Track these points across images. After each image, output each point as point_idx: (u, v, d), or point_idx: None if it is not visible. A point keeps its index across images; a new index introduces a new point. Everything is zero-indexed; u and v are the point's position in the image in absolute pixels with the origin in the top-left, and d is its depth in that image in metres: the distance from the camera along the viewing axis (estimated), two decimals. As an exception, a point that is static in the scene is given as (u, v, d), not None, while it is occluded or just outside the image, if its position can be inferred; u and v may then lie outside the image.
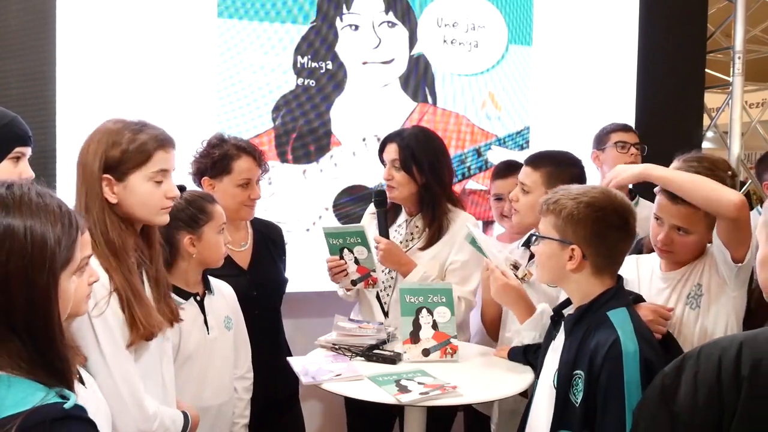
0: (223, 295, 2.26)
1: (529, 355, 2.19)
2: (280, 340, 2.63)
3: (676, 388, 1.32)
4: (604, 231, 1.78)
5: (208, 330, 2.15)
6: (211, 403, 2.13)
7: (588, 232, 1.78)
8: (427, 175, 2.57)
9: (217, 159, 2.44)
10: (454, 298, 2.37)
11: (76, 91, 2.84)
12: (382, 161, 2.66)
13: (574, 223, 1.78)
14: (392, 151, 2.60)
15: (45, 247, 1.07)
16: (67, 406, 1.02)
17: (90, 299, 1.42)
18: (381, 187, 2.74)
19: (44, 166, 2.71)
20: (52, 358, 1.08)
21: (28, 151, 1.93)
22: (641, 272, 2.18)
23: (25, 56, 2.79)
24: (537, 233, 1.93)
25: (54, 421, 1.00)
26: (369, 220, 2.72)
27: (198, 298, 2.16)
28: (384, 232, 2.59)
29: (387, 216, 2.63)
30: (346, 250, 2.54)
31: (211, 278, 2.24)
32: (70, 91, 2.84)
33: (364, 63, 3.21)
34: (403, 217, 2.69)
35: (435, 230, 2.58)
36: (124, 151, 1.67)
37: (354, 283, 2.58)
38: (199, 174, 2.48)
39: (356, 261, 2.55)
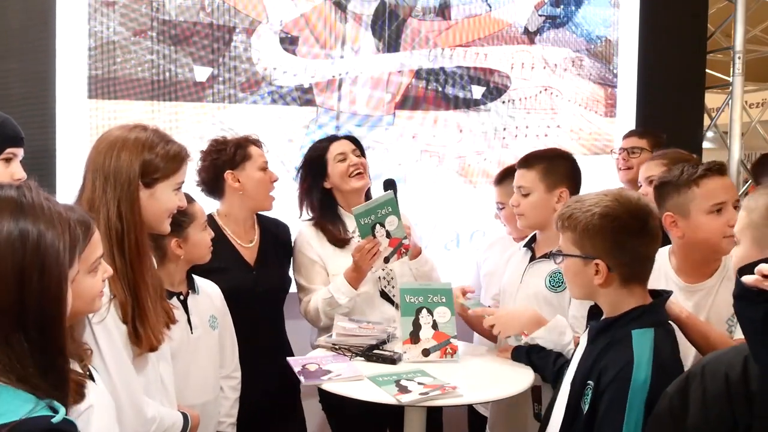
0: (209, 295, 2.26)
1: (533, 356, 2.17)
2: (283, 340, 2.63)
3: (684, 408, 1.30)
4: (624, 239, 1.69)
5: (191, 329, 2.15)
6: (194, 402, 2.11)
7: (608, 243, 1.69)
8: None
9: (233, 148, 2.46)
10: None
11: (75, 92, 2.84)
12: (326, 156, 2.65)
13: (591, 236, 1.71)
14: (347, 143, 2.65)
15: (56, 250, 1.09)
16: (54, 420, 1.01)
17: (103, 297, 1.44)
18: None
19: (44, 166, 2.71)
20: (56, 356, 1.09)
21: (20, 152, 1.93)
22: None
23: (25, 56, 2.79)
24: (559, 251, 1.85)
25: None
26: (316, 235, 2.63)
27: (181, 297, 2.16)
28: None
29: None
30: (378, 226, 2.46)
31: (196, 278, 2.24)
32: (69, 91, 2.84)
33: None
34: (350, 220, 2.65)
35: None
36: (162, 159, 1.69)
37: (387, 260, 2.50)
38: (217, 172, 2.47)
39: (387, 234, 2.47)
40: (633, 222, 1.70)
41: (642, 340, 1.65)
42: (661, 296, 1.78)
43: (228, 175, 2.46)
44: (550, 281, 2.29)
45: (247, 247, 2.52)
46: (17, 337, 1.05)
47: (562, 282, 2.26)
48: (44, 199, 1.13)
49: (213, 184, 2.49)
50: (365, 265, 2.47)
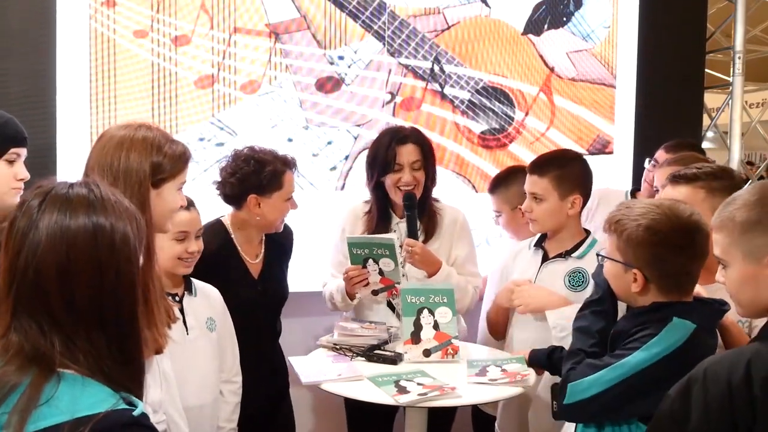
0: (207, 297, 2.24)
1: (554, 356, 2.11)
2: (277, 344, 2.63)
3: (686, 412, 1.28)
4: (666, 254, 1.68)
5: (187, 330, 2.14)
6: (191, 404, 2.08)
7: (649, 255, 1.69)
8: (432, 174, 2.64)
9: (269, 176, 2.39)
10: (470, 289, 2.53)
11: (76, 91, 2.84)
12: (394, 163, 2.56)
13: (633, 246, 1.70)
14: (412, 152, 2.58)
15: (129, 242, 1.13)
16: (135, 413, 1.06)
17: None
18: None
19: (45, 165, 2.71)
20: (133, 347, 1.13)
21: (23, 152, 1.93)
22: None
23: (25, 56, 2.78)
24: (603, 253, 1.84)
25: (124, 427, 1.04)
26: (352, 220, 2.69)
27: (177, 298, 2.14)
28: (414, 233, 2.52)
29: (416, 218, 2.55)
30: (370, 260, 2.45)
31: (195, 281, 2.22)
32: (70, 91, 2.83)
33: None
34: (394, 220, 2.65)
35: (431, 226, 2.61)
36: (169, 159, 1.68)
37: (375, 292, 2.50)
38: (243, 190, 2.40)
39: (380, 272, 2.46)
40: (677, 238, 1.68)
41: (678, 328, 1.64)
42: (718, 303, 1.73)
43: (252, 198, 2.40)
44: (569, 281, 2.29)
45: (255, 262, 2.52)
46: (98, 333, 1.08)
47: (582, 282, 2.27)
48: (111, 193, 1.16)
49: (234, 199, 2.45)
50: (350, 289, 2.51)
